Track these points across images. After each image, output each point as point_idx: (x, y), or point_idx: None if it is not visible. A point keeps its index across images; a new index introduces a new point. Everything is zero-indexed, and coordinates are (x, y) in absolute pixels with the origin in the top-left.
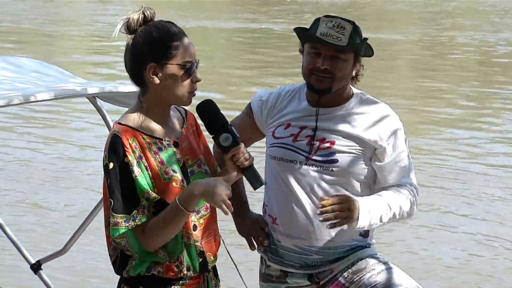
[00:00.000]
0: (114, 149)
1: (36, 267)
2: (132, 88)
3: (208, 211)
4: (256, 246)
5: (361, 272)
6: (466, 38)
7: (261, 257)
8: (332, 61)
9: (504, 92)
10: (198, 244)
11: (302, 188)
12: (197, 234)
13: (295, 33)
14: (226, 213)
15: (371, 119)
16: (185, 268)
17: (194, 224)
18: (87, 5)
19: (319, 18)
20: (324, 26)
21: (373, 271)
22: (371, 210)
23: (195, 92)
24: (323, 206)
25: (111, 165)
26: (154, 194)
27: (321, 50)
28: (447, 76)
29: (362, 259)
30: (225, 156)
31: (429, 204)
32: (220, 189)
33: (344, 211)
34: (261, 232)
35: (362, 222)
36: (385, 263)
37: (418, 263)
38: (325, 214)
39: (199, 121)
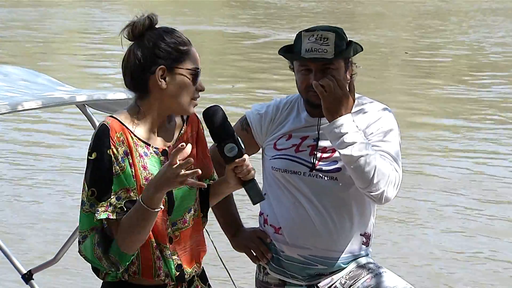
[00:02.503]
0: (100, 139)
1: (27, 277)
2: (121, 95)
3: (186, 224)
4: (259, 258)
5: (357, 277)
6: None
7: (260, 265)
8: (324, 73)
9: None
10: (175, 257)
11: (307, 198)
12: (172, 246)
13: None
14: (197, 185)
15: (366, 121)
16: (163, 274)
17: (170, 237)
18: (79, 10)
19: (300, 33)
20: (307, 42)
21: (368, 275)
22: (355, 126)
23: (197, 101)
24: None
25: (93, 155)
26: (131, 193)
27: (311, 66)
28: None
29: (359, 265)
30: (228, 166)
31: None
32: (168, 171)
33: (331, 90)
34: (261, 243)
35: (345, 121)
36: (379, 267)
37: None
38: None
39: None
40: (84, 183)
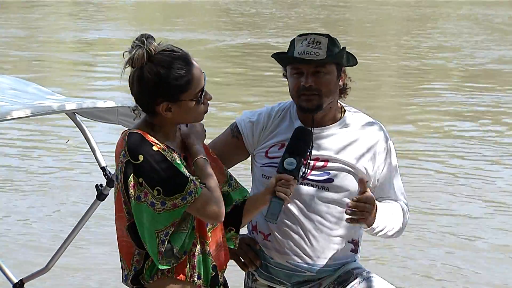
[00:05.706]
0: (138, 144)
1: (18, 287)
2: (111, 103)
3: (214, 223)
4: (247, 265)
5: (345, 283)
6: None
7: (249, 271)
8: (315, 77)
9: None
10: (210, 257)
11: (297, 206)
12: (209, 245)
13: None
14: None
15: (362, 141)
16: (196, 275)
17: (208, 235)
18: (66, 17)
19: (294, 38)
20: (300, 45)
21: (356, 280)
22: (386, 218)
23: (207, 109)
24: (352, 205)
25: (140, 157)
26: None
27: (303, 68)
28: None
29: (347, 270)
30: (276, 175)
31: None
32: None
33: (368, 211)
34: (249, 250)
35: (378, 224)
36: (367, 272)
37: None
38: (352, 213)
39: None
40: (145, 187)
